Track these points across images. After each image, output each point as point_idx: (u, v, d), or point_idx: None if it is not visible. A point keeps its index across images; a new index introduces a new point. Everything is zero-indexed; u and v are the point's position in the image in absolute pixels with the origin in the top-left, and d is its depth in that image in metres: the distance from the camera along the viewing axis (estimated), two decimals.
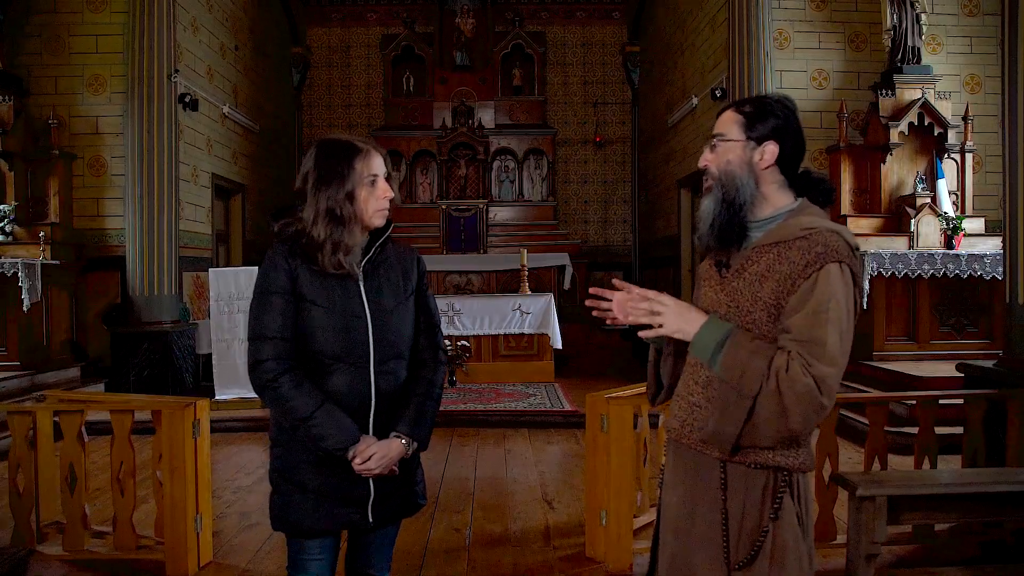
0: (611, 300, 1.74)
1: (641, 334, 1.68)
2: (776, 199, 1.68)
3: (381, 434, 1.94)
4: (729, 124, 1.69)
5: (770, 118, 1.66)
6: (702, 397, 1.68)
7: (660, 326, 1.63)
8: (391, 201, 1.97)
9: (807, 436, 1.62)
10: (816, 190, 1.71)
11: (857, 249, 1.61)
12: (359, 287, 1.95)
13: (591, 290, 1.79)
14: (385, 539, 2.08)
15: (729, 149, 1.68)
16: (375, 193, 1.93)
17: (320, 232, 1.89)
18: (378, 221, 1.96)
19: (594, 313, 1.79)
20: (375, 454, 1.88)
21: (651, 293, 1.64)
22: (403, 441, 1.95)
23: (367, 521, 1.95)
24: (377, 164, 1.95)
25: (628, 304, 1.67)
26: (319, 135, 11.01)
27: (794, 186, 1.71)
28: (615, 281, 1.75)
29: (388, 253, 2.03)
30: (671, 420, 1.78)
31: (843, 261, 1.55)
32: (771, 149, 1.65)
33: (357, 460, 1.87)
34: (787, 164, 1.68)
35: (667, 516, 1.77)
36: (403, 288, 2.02)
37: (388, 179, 1.97)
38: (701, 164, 1.73)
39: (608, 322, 1.77)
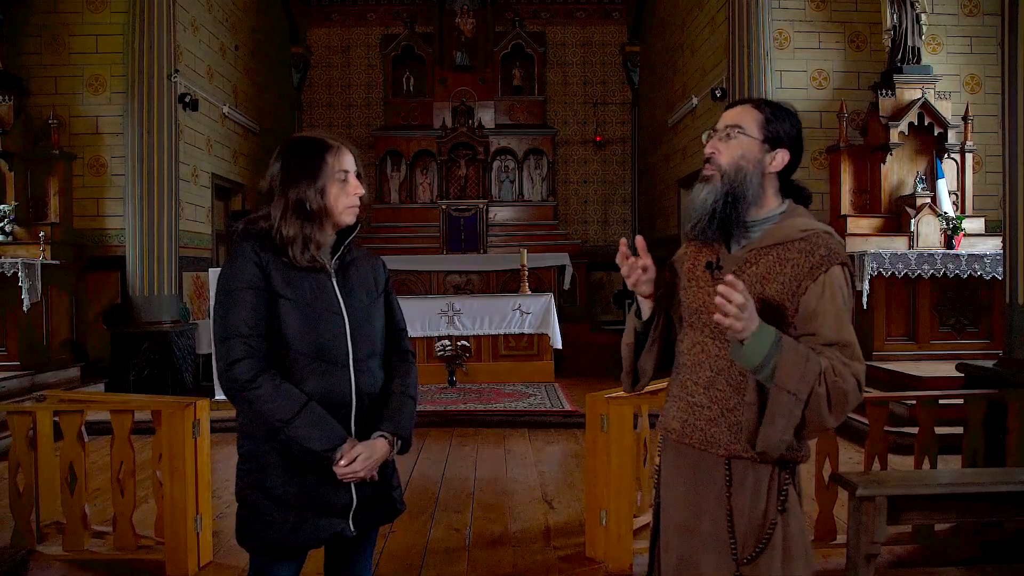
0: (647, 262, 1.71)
1: (718, 318, 1.52)
2: (770, 200, 1.72)
3: (361, 437, 1.87)
4: (748, 119, 1.70)
5: (788, 125, 1.70)
6: (704, 397, 1.69)
7: (736, 325, 1.50)
8: (361, 199, 1.92)
9: None
10: (799, 196, 1.76)
11: (843, 247, 1.70)
12: (332, 283, 1.88)
13: (638, 243, 1.74)
14: (366, 548, 2.03)
15: (744, 144, 1.68)
16: (346, 189, 1.88)
17: (290, 228, 1.82)
18: (348, 218, 1.90)
19: (624, 271, 1.73)
20: (360, 455, 1.81)
21: (741, 286, 1.49)
22: (387, 440, 1.88)
23: (350, 532, 1.88)
24: (348, 160, 1.89)
25: (723, 293, 1.49)
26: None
27: (781, 191, 1.76)
28: (638, 239, 1.74)
29: (355, 254, 1.98)
30: (670, 421, 1.78)
31: (845, 263, 1.63)
32: (783, 156, 1.70)
33: (343, 463, 1.79)
34: (786, 172, 1.73)
35: (669, 517, 1.77)
36: (374, 287, 1.98)
37: (359, 176, 1.92)
38: (708, 151, 1.73)
39: (631, 284, 1.74)
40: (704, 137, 1.77)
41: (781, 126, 1.68)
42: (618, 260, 1.73)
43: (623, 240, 1.76)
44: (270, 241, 1.84)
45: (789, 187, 1.76)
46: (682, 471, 1.74)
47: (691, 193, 1.74)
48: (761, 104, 1.72)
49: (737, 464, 1.65)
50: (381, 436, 1.88)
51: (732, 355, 1.59)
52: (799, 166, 1.75)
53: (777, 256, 1.63)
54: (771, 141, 1.68)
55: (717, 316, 1.51)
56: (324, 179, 1.85)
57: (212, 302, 6.88)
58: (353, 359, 1.87)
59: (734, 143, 1.68)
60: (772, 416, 1.56)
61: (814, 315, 1.59)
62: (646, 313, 1.80)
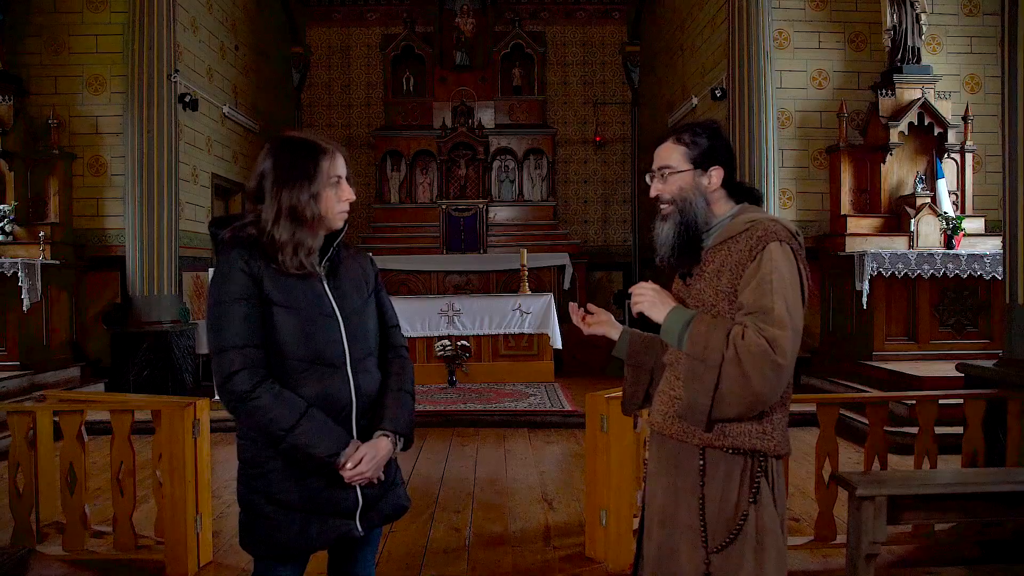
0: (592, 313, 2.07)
1: (634, 311, 1.87)
2: (721, 208, 1.86)
3: (363, 437, 1.87)
4: (674, 156, 1.84)
5: (708, 144, 1.84)
6: (681, 390, 1.78)
7: (638, 304, 1.82)
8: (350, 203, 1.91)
9: (772, 402, 1.70)
10: (750, 197, 1.89)
11: (797, 234, 1.77)
12: (324, 287, 1.88)
13: (577, 307, 2.09)
14: (370, 546, 2.03)
15: (679, 178, 1.84)
16: (339, 194, 1.87)
17: (282, 233, 1.80)
18: (339, 223, 1.89)
19: (584, 326, 2.09)
20: (365, 456, 1.81)
21: (641, 284, 1.87)
22: (389, 438, 1.88)
23: (357, 531, 1.88)
24: (341, 164, 1.88)
25: (633, 291, 1.86)
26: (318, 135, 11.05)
27: (732, 195, 1.88)
28: (589, 306, 2.10)
29: (343, 254, 1.98)
30: (653, 414, 1.90)
31: (782, 240, 1.71)
32: (717, 173, 1.83)
33: (348, 466, 1.79)
34: (727, 181, 1.86)
35: (652, 506, 1.86)
36: (364, 286, 1.98)
37: (348, 180, 1.91)
38: (653, 195, 1.89)
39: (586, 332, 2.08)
40: (647, 178, 1.93)
41: (703, 149, 1.82)
42: (572, 317, 2.09)
43: (572, 304, 2.09)
44: (259, 248, 1.82)
45: (740, 191, 1.88)
46: (664, 462, 1.84)
47: (654, 230, 1.88)
48: (680, 135, 1.85)
49: (711, 453, 1.73)
50: (383, 435, 1.88)
51: (662, 336, 1.80)
52: (736, 169, 1.91)
53: (727, 250, 1.76)
54: (701, 165, 1.82)
55: (632, 303, 1.82)
56: (319, 185, 1.83)
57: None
58: (350, 361, 1.87)
59: (671, 181, 1.84)
60: (683, 382, 1.73)
61: (742, 288, 1.70)
62: (615, 337, 2.07)
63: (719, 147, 1.84)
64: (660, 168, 1.86)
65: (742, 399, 1.64)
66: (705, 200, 1.83)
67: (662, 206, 1.87)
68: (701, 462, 1.74)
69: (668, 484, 1.80)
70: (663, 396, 1.86)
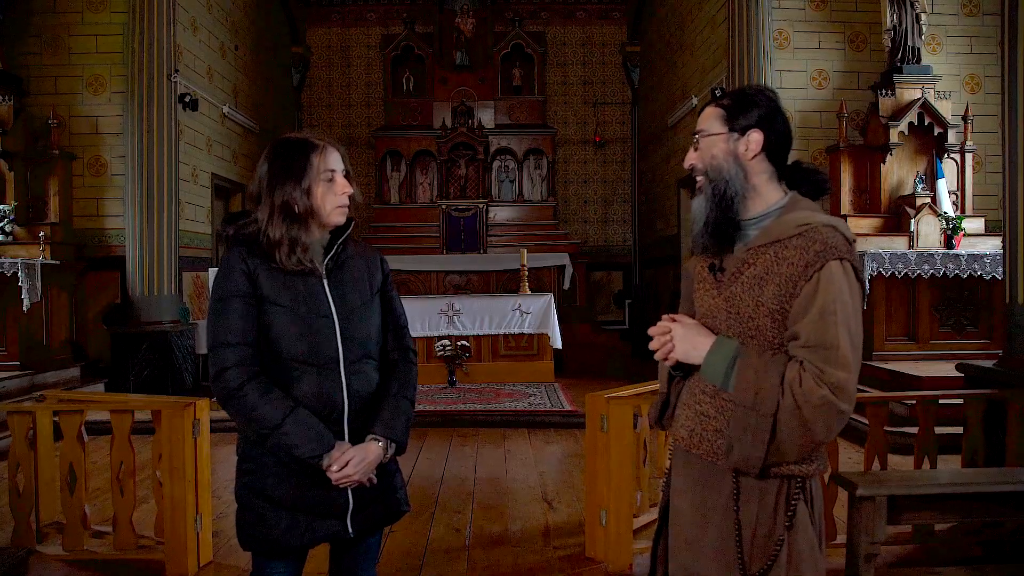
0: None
1: (665, 363, 1.69)
2: (767, 193, 1.64)
3: (356, 440, 1.86)
4: (710, 119, 1.66)
5: (751, 108, 1.62)
6: (711, 407, 1.64)
7: (668, 352, 1.63)
8: (352, 198, 1.90)
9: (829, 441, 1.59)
10: (808, 181, 1.67)
11: (854, 242, 1.58)
12: (323, 285, 1.87)
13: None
14: (368, 549, 2.01)
15: (712, 143, 1.64)
16: (333, 189, 1.86)
17: (276, 231, 1.81)
18: (337, 218, 1.88)
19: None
20: (352, 459, 1.80)
21: (659, 325, 1.65)
22: (380, 443, 1.86)
23: (347, 533, 1.87)
24: (334, 159, 1.88)
25: (653, 335, 1.66)
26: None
27: (784, 178, 1.67)
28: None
29: (350, 252, 1.96)
30: (678, 429, 1.74)
31: (843, 258, 1.51)
32: (755, 137, 1.61)
33: (334, 468, 1.79)
34: (774, 153, 1.64)
35: (677, 524, 1.73)
36: (368, 286, 1.96)
37: (348, 176, 1.90)
38: (686, 164, 1.71)
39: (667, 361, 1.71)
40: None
41: (744, 113, 1.62)
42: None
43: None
44: (258, 246, 1.84)
45: (791, 172, 1.67)
46: (691, 480, 1.70)
47: (692, 208, 1.72)
48: (722, 99, 1.67)
49: (745, 477, 1.59)
50: (373, 439, 1.87)
51: (703, 375, 1.62)
52: (791, 143, 1.66)
53: (775, 255, 1.55)
54: (737, 128, 1.62)
55: (660, 355, 1.64)
56: (309, 179, 1.83)
57: None
58: (344, 361, 1.86)
59: (703, 146, 1.66)
60: (733, 432, 1.54)
61: (800, 315, 1.50)
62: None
63: (764, 113, 1.61)
64: (695, 134, 1.68)
65: (801, 447, 1.51)
66: (742, 171, 1.61)
67: (697, 179, 1.68)
68: (734, 485, 1.60)
69: (695, 503, 1.67)
70: (687, 410, 1.70)
